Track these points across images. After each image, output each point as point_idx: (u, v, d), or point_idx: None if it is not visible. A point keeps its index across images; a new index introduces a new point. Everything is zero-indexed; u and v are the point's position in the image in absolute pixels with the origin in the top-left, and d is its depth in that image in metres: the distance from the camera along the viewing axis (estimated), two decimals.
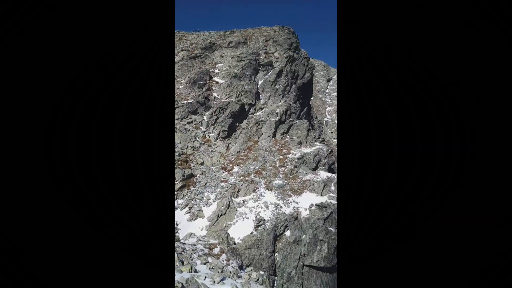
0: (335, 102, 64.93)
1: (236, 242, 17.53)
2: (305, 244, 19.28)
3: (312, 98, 45.73)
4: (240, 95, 29.41)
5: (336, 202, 22.19)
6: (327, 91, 68.91)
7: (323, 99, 66.08)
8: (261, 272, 16.26)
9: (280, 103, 30.91)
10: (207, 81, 29.67)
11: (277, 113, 29.36)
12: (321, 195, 22.65)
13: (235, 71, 30.68)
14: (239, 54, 32.91)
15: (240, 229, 18.59)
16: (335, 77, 72.47)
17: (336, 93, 67.48)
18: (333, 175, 25.49)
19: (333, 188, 23.74)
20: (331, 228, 20.55)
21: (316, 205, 21.39)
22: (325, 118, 60.37)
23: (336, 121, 60.62)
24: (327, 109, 63.43)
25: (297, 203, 21.70)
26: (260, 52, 33.94)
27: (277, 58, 33.77)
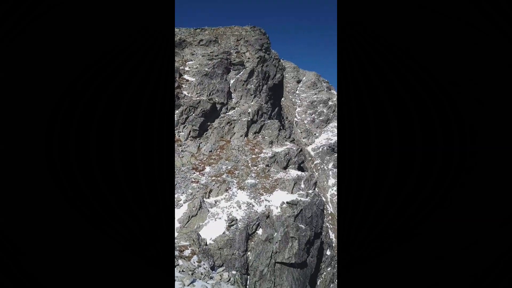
0: (305, 103, 66.41)
1: (208, 243, 17.52)
2: (276, 242, 19.63)
3: (282, 99, 46.32)
4: (211, 94, 29.16)
5: (305, 199, 22.82)
6: (297, 92, 69.93)
7: (293, 100, 67.15)
8: (233, 272, 16.31)
9: (252, 103, 30.85)
10: (177, 78, 29.33)
11: (249, 113, 29.31)
12: (292, 193, 23.10)
13: (206, 69, 30.31)
14: (210, 52, 32.49)
15: (212, 230, 18.62)
16: (304, 78, 73.58)
17: (305, 95, 68.70)
18: (303, 173, 26.25)
19: (302, 186, 24.42)
20: (301, 225, 21.05)
21: (287, 202, 21.81)
22: (295, 119, 61.36)
23: (305, 122, 61.65)
24: (296, 110, 64.48)
25: (268, 201, 21.94)
26: (232, 51, 33.62)
27: (248, 58, 33.57)
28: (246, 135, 28.17)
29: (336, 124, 62.99)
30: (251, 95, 31.50)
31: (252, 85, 31.99)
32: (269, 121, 30.70)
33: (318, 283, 26.22)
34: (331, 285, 27.91)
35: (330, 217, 43.80)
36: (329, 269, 28.86)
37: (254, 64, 32.99)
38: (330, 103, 66.89)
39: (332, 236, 39.37)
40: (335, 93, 74.99)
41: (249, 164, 25.13)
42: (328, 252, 30.21)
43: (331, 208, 47.90)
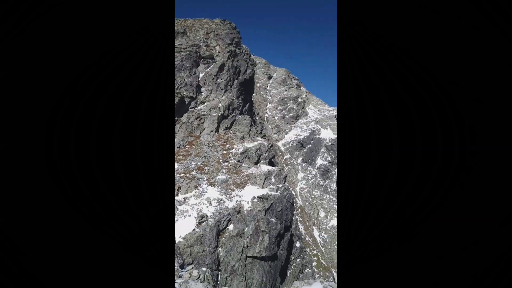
0: (275, 99, 67.46)
1: (177, 241, 17.34)
2: (247, 236, 19.72)
3: (253, 95, 46.32)
4: (179, 87, 28.33)
5: (276, 193, 23.04)
6: (268, 88, 70.47)
7: (264, 96, 67.60)
8: (204, 269, 16.19)
9: (223, 98, 30.16)
10: None
11: (219, 108, 28.68)
12: (263, 187, 23.16)
13: (174, 62, 29.41)
14: (178, 44, 31.47)
15: (182, 227, 18.51)
16: (275, 75, 74.19)
17: (276, 91, 69.68)
18: (273, 168, 26.53)
19: (273, 180, 24.75)
20: (272, 219, 21.20)
21: (258, 197, 21.93)
22: (266, 115, 62.09)
23: (276, 118, 62.47)
24: (267, 106, 65.18)
25: (240, 196, 21.94)
26: (201, 44, 32.60)
27: (218, 52, 32.60)
28: (217, 130, 27.68)
29: (304, 121, 64.32)
30: (222, 89, 30.74)
31: (222, 80, 31.21)
32: (240, 116, 30.25)
33: (288, 274, 26.66)
34: (300, 275, 28.47)
35: (299, 210, 44.74)
36: (298, 260, 29.38)
37: (225, 59, 32.14)
38: (299, 99, 67.75)
39: (302, 228, 39.99)
40: (304, 90, 75.67)
41: (220, 160, 24.99)
42: (297, 244, 30.73)
43: (300, 202, 48.86)
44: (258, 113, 52.07)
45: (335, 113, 66.92)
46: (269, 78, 72.86)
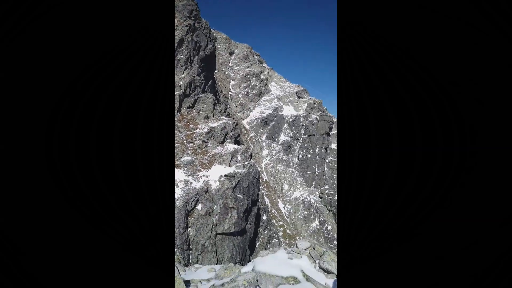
0: (238, 76, 66.56)
1: None
2: (216, 214, 20.15)
3: (216, 71, 45.87)
4: None
5: (242, 170, 23.10)
6: (230, 64, 69.56)
7: (226, 72, 66.78)
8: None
9: (183, 75, 28.76)
10: None
11: (180, 86, 27.19)
12: (229, 166, 23.25)
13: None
14: None
15: None
16: (237, 50, 73.18)
17: (238, 67, 68.73)
18: (239, 146, 26.65)
19: (239, 158, 24.83)
20: (239, 195, 21.46)
21: (225, 175, 22.12)
22: (230, 92, 61.88)
23: (239, 95, 62.57)
24: (231, 83, 64.75)
25: (207, 176, 22.02)
26: None
27: (176, 25, 30.70)
28: (179, 110, 26.78)
29: (267, 98, 64.64)
30: (182, 66, 29.17)
31: (182, 56, 29.56)
32: (203, 94, 29.29)
33: (256, 246, 27.08)
34: (268, 246, 28.89)
35: (265, 184, 46.15)
36: (265, 232, 29.76)
37: (183, 33, 30.39)
38: (262, 76, 67.40)
39: (267, 201, 41.20)
40: (266, 66, 74.82)
41: (184, 141, 24.77)
42: (264, 217, 31.21)
43: (265, 177, 50.34)
44: (221, 91, 51.60)
45: (296, 89, 66.59)
46: (231, 54, 71.01)
